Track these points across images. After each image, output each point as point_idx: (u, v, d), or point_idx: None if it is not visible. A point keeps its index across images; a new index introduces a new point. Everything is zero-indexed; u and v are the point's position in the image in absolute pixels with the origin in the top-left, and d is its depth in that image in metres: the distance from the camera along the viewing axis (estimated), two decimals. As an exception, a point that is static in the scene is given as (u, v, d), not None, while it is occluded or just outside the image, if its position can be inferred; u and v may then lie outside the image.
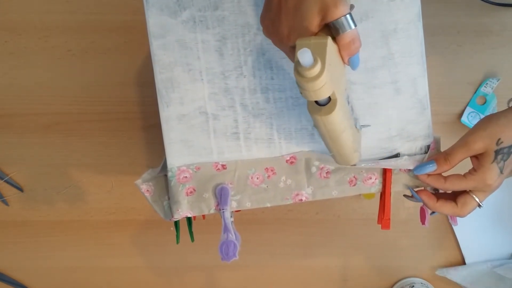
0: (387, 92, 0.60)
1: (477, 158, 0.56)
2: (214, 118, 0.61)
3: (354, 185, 0.60)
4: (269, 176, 0.61)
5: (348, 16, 0.47)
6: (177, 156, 0.61)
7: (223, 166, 0.61)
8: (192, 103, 0.60)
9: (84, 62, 0.80)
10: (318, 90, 0.45)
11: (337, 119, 0.49)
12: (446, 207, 0.58)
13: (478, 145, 0.55)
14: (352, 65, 0.50)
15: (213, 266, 0.83)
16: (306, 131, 0.61)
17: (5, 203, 0.82)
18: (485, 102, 0.79)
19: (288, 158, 0.61)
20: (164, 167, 0.62)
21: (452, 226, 0.80)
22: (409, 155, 0.60)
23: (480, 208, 0.58)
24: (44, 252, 0.83)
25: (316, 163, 0.60)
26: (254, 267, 0.83)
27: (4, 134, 0.82)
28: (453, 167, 0.57)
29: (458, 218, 0.62)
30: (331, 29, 0.48)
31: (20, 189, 0.82)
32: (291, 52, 0.50)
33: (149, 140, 0.81)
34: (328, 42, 0.46)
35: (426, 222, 0.63)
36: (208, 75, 0.60)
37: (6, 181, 0.82)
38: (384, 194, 0.61)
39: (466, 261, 0.80)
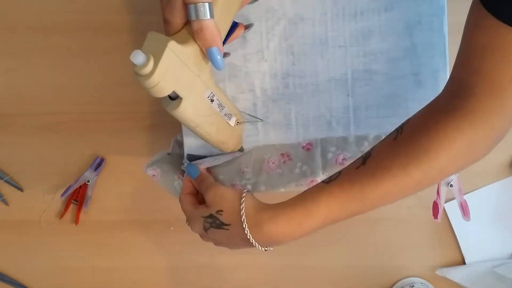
0: (408, 83, 0.59)
1: None
2: (234, 101, 0.60)
3: None
4: (284, 161, 0.61)
5: (202, 4, 0.46)
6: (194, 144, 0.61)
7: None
8: None
9: (84, 62, 0.80)
10: (153, 88, 0.46)
11: (185, 115, 0.50)
12: None
13: None
14: (210, 59, 0.48)
15: (213, 266, 0.82)
16: (324, 118, 0.60)
17: (5, 203, 0.82)
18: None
19: (304, 145, 0.61)
20: (175, 148, 0.62)
21: (452, 226, 0.80)
22: None
23: None
24: (44, 252, 0.83)
25: (333, 149, 0.60)
26: (254, 267, 0.82)
27: (4, 134, 0.81)
28: None
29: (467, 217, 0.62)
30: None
31: (20, 189, 0.82)
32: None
33: (149, 140, 0.81)
34: (171, 43, 0.46)
35: (438, 217, 0.63)
36: (230, 57, 0.60)
37: (6, 181, 0.82)
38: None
39: (466, 261, 0.80)
